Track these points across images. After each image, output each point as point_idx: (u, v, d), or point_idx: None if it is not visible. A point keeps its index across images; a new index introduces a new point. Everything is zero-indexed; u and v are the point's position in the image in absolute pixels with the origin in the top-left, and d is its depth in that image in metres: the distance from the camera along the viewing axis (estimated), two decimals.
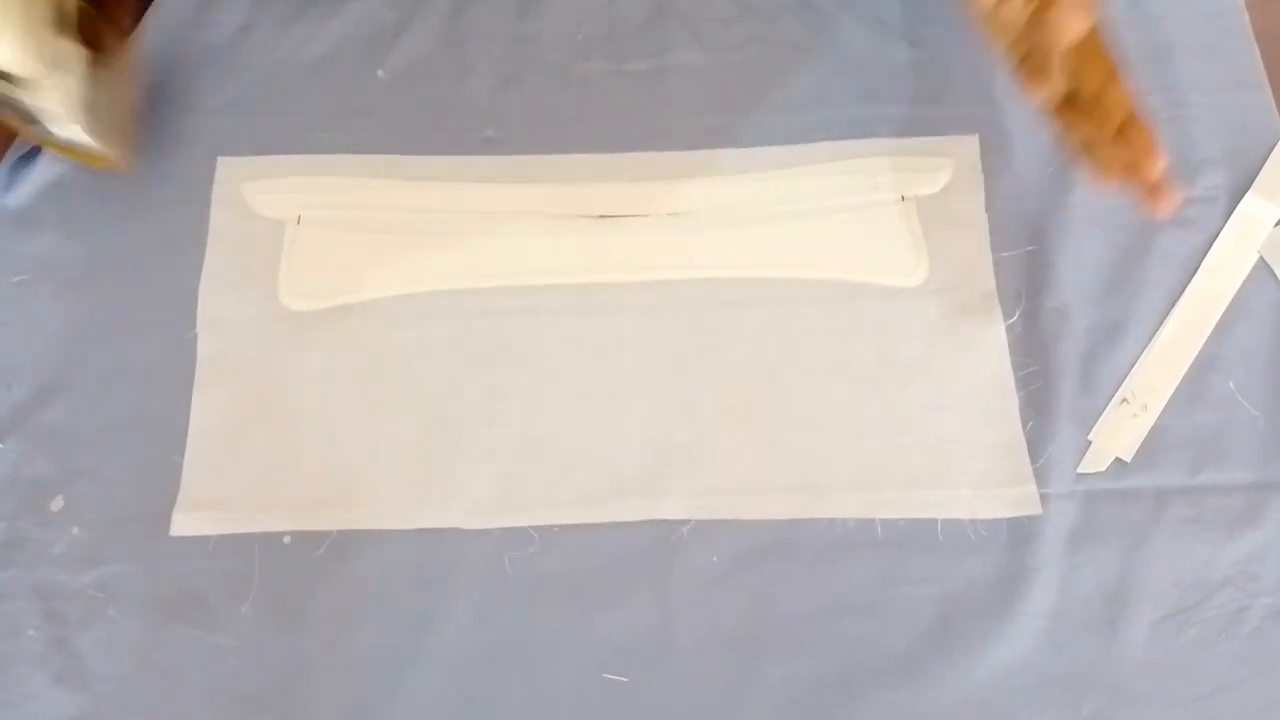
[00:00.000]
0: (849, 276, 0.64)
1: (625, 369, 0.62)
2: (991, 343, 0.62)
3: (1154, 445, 0.60)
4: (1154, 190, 0.53)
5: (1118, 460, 0.60)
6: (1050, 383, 0.61)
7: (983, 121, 0.68)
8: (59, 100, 0.59)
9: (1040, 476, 0.59)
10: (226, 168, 0.67)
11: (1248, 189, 0.66)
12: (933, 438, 0.60)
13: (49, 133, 0.62)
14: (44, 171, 0.66)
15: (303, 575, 0.58)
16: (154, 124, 0.68)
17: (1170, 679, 0.56)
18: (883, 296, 0.64)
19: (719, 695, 0.56)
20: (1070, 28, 0.53)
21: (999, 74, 0.69)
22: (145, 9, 0.70)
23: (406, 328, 0.63)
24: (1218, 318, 0.63)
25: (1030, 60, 0.56)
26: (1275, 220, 0.65)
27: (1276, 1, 0.72)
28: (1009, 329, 0.63)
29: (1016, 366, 0.62)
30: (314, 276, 0.64)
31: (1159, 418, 0.60)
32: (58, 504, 0.60)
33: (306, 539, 0.58)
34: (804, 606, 0.57)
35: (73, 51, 0.60)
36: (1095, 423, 0.60)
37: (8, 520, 0.59)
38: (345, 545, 0.58)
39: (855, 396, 0.61)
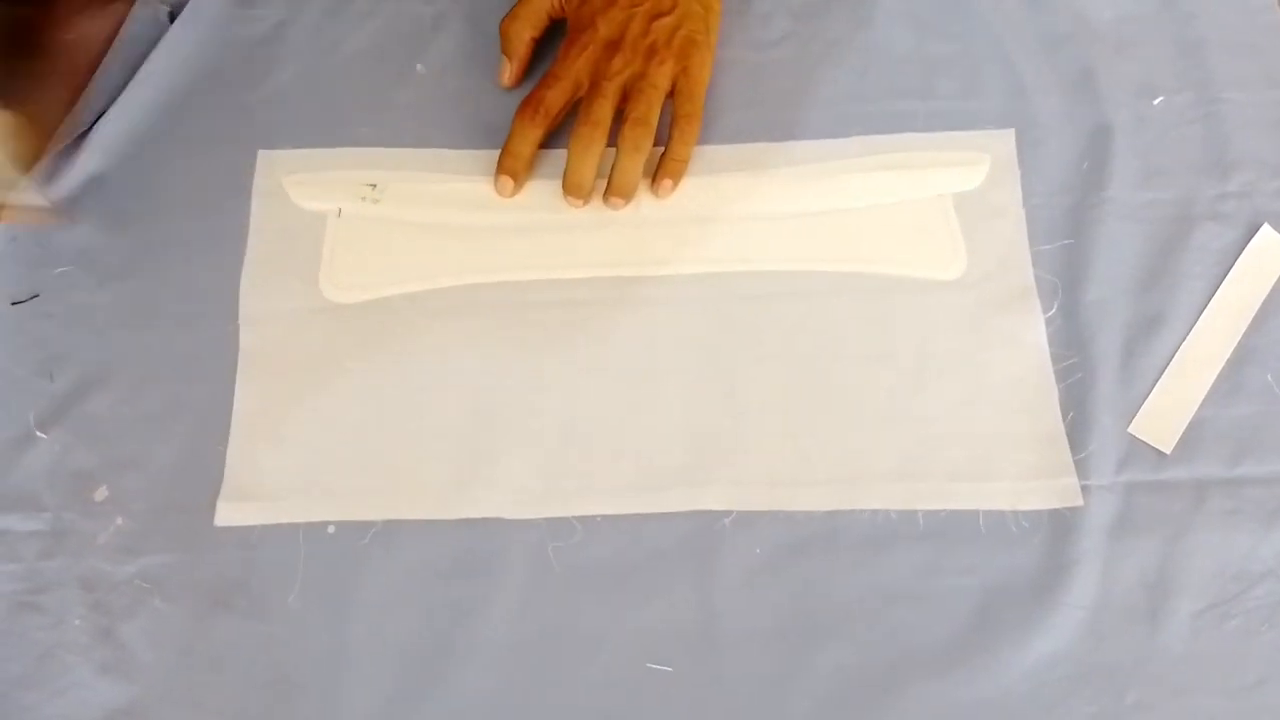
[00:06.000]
0: (887, 270, 0.64)
1: (666, 361, 0.62)
2: (1031, 336, 0.62)
3: (1193, 437, 0.60)
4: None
5: (1157, 452, 0.60)
6: (1089, 375, 0.61)
7: (1018, 116, 0.68)
8: None
9: (1080, 469, 0.59)
10: (266, 161, 0.67)
11: None
12: (973, 430, 0.60)
13: None
14: (85, 164, 0.66)
15: (348, 565, 0.58)
16: (195, 118, 0.68)
17: (1213, 670, 0.56)
18: (921, 290, 0.64)
19: (763, 685, 0.56)
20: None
21: (1033, 68, 0.70)
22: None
23: (448, 319, 0.63)
24: (1255, 310, 0.63)
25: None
26: None
27: None
28: (1048, 322, 0.63)
29: (1055, 359, 0.62)
30: (355, 269, 0.64)
31: (1198, 410, 0.61)
32: (101, 494, 0.60)
33: (351, 529, 0.59)
34: (847, 597, 0.57)
35: None
36: (1135, 415, 0.61)
37: (52, 511, 0.59)
38: (390, 535, 0.59)
39: (895, 389, 0.61)
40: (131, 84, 0.68)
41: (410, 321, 0.63)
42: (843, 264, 0.65)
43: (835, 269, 0.64)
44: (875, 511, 0.59)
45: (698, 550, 0.58)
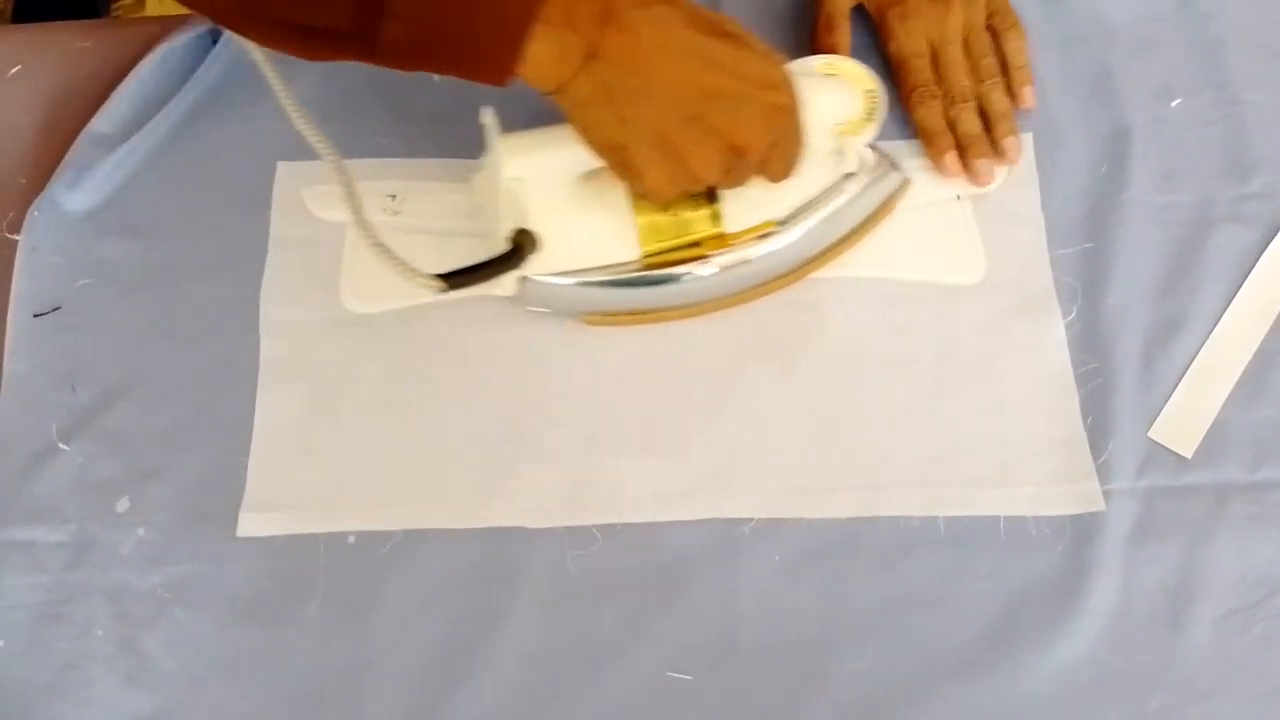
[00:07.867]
0: (908, 275, 0.64)
1: (688, 368, 0.62)
2: (1051, 340, 0.62)
3: (1214, 441, 0.60)
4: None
5: (1178, 457, 0.60)
6: (1109, 380, 0.61)
7: (1036, 118, 0.68)
8: None
9: (1101, 473, 0.59)
10: (286, 172, 0.67)
11: None
12: (994, 435, 0.60)
13: None
14: (107, 177, 0.67)
15: (368, 575, 0.58)
16: (214, 129, 0.69)
17: (1236, 675, 0.56)
18: (942, 295, 0.64)
19: (783, 693, 0.56)
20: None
21: (1051, 71, 0.69)
22: None
23: (468, 329, 0.63)
24: (1276, 312, 0.63)
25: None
26: None
27: None
28: (1067, 326, 0.63)
29: (1075, 364, 0.62)
30: (374, 279, 0.64)
31: (1218, 414, 0.60)
32: (123, 505, 0.60)
33: (371, 539, 0.59)
34: (868, 604, 0.57)
35: None
36: (1155, 419, 0.60)
37: (76, 522, 0.60)
38: (410, 545, 0.59)
39: (917, 395, 0.61)
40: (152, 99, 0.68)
41: (430, 331, 0.63)
42: (865, 270, 0.65)
43: (857, 274, 0.64)
44: (896, 518, 0.59)
45: (718, 558, 0.58)
